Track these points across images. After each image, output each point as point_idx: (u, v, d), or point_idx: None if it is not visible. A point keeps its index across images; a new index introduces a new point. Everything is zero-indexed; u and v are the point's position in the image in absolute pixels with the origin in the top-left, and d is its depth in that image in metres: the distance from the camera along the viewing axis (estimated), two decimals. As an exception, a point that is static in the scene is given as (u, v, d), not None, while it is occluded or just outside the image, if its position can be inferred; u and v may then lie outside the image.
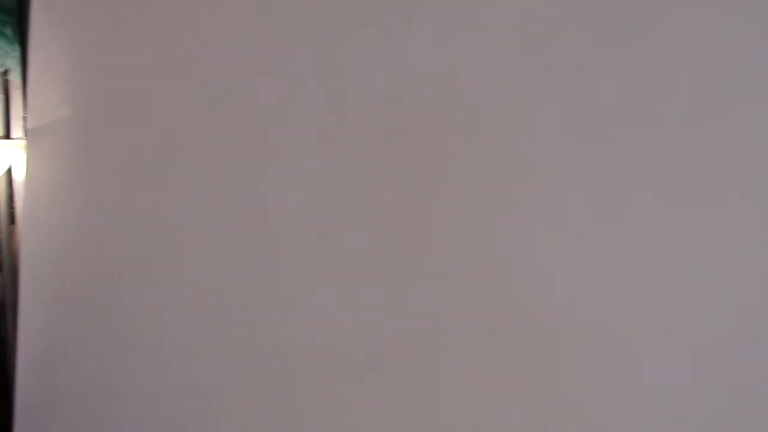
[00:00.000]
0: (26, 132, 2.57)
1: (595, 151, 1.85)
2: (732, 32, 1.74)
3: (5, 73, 2.85)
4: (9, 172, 2.87)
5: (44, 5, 2.54)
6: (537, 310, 1.89)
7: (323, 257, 2.09)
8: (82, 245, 2.44)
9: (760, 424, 1.66)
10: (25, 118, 2.76)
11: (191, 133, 2.28)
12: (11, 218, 2.90)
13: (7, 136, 2.87)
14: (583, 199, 1.85)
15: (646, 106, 1.79)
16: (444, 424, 1.96)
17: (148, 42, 2.31)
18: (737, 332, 1.71)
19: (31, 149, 2.57)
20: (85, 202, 2.43)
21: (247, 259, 2.17)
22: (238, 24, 2.20)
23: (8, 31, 2.80)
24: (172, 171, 2.29)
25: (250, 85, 2.16)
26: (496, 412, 1.92)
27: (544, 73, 1.89)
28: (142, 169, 2.34)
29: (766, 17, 1.71)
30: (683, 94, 1.76)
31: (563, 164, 1.86)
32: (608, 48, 1.83)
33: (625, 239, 1.81)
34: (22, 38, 2.87)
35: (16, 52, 2.84)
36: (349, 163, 2.07)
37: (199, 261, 2.23)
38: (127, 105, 2.35)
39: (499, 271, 1.92)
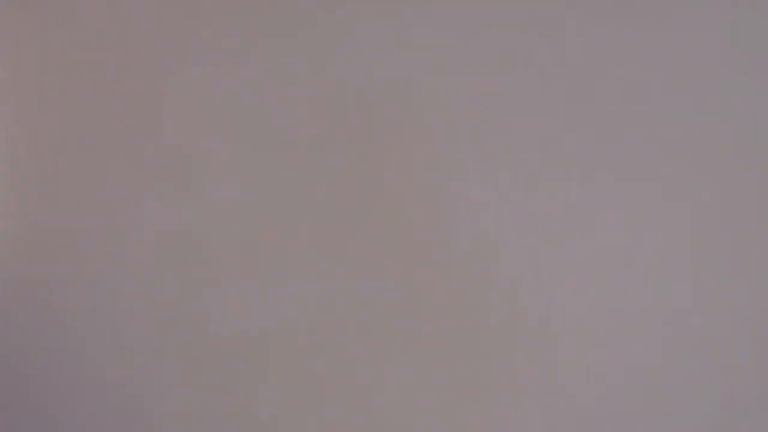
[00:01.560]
0: None
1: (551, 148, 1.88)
2: (716, 34, 1.76)
3: None
4: None
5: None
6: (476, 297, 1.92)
7: (257, 247, 2.10)
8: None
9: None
10: None
11: (107, 128, 2.26)
12: None
13: None
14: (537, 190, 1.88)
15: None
16: (374, 411, 2.00)
17: (60, 34, 2.29)
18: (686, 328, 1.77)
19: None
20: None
21: (176, 255, 2.18)
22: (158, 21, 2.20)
23: None
24: (89, 163, 2.27)
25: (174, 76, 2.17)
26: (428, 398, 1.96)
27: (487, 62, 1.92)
28: (56, 162, 2.31)
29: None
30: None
31: (516, 161, 1.90)
32: (585, 45, 1.85)
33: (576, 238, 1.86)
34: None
35: None
36: (285, 151, 2.09)
37: (127, 255, 2.22)
38: (44, 99, 2.32)
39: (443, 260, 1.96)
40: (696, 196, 1.79)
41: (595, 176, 1.85)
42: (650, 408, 1.81)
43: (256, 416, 2.08)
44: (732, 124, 1.76)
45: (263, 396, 2.08)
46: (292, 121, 2.08)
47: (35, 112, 2.33)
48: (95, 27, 2.26)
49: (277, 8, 2.09)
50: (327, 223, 2.05)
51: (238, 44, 2.11)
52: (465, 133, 1.95)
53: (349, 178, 2.03)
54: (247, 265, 2.11)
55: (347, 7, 2.03)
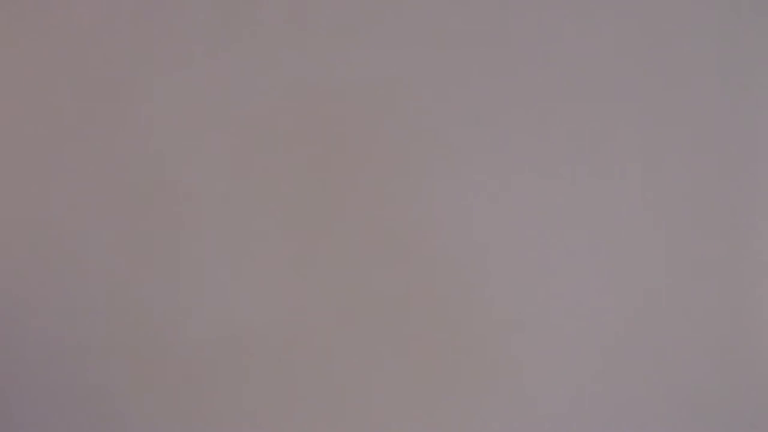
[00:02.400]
0: None
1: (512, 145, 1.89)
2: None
3: None
4: None
5: None
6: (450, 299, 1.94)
7: (232, 249, 2.11)
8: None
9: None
10: None
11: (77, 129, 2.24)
12: None
13: None
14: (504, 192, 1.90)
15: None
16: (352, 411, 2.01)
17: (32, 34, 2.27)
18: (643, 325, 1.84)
19: None
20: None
21: (151, 251, 2.17)
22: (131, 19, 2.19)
23: None
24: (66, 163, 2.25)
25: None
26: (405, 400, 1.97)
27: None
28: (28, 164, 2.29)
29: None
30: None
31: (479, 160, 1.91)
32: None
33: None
34: None
35: None
36: (255, 154, 2.10)
37: (105, 256, 2.21)
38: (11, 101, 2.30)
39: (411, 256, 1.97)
40: (672, 199, 1.79)
41: (578, 181, 1.85)
42: (637, 410, 1.81)
43: (236, 417, 2.08)
44: (712, 129, 1.76)
45: (243, 397, 2.08)
46: (273, 122, 2.08)
47: (23, 115, 2.31)
48: (82, 28, 2.25)
49: (258, 7, 2.08)
50: (308, 225, 2.05)
51: (223, 47, 2.11)
52: (447, 133, 1.95)
53: (330, 178, 2.03)
54: (226, 266, 2.10)
55: (331, 6, 2.03)
